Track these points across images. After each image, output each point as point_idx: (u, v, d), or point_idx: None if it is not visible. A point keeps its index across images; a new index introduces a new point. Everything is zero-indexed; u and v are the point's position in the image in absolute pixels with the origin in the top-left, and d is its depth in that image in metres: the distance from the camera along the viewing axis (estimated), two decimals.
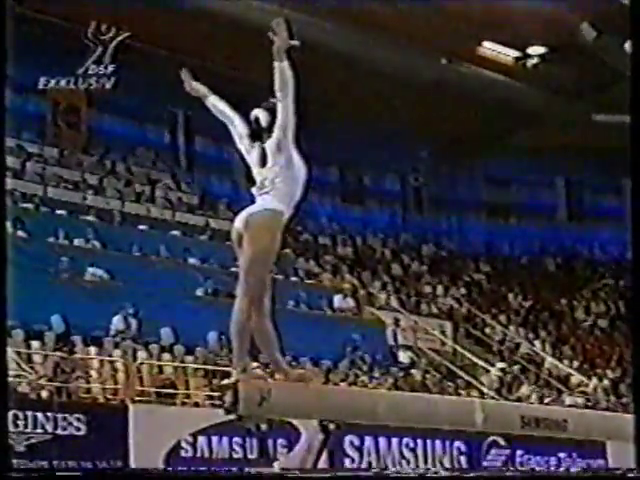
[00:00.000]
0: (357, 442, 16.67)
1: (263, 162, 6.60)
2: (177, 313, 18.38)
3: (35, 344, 16.27)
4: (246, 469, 13.57)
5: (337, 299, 22.84)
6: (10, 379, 13.40)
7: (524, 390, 21.98)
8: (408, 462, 16.98)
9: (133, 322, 17.92)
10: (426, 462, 17.23)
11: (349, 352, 20.78)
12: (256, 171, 6.66)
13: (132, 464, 13.84)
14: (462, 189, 32.08)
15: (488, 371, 22.71)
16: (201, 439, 15.30)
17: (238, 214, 6.67)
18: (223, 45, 23.10)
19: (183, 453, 15.06)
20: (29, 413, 13.80)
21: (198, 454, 15.22)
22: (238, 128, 6.78)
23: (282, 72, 6.49)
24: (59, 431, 13.96)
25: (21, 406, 13.69)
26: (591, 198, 32.68)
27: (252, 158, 6.68)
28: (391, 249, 28.32)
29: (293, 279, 22.63)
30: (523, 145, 29.19)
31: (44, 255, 18.26)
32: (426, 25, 23.51)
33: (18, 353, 15.33)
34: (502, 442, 18.06)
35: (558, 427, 7.92)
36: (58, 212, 20.95)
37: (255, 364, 7.25)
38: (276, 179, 6.53)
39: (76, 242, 20.13)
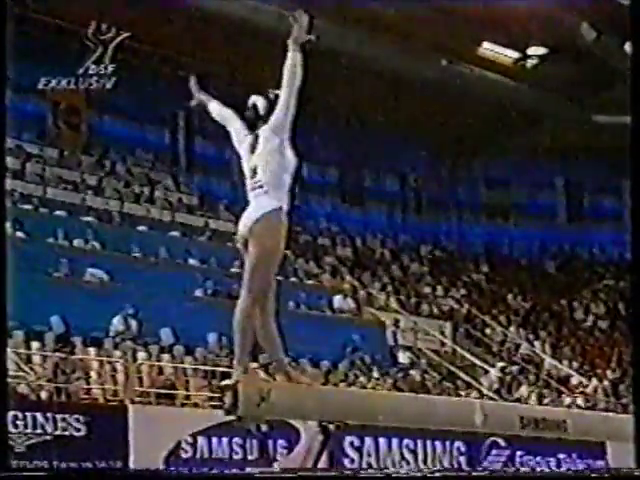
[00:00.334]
0: (357, 443, 16.67)
1: (253, 148, 6.62)
2: (177, 314, 18.37)
3: (35, 345, 16.26)
4: (246, 470, 13.57)
5: (337, 300, 22.84)
6: (10, 380, 13.40)
7: (524, 391, 21.99)
8: (408, 463, 16.98)
9: (133, 323, 17.92)
10: (426, 463, 17.23)
11: (349, 353, 20.78)
12: (246, 160, 6.68)
13: (132, 465, 13.84)
14: (462, 190, 32.09)
15: (488, 372, 22.71)
16: (201, 440, 15.30)
17: (239, 218, 6.66)
18: (223, 46, 23.10)
19: (183, 454, 15.05)
20: (29, 414, 13.79)
21: (198, 455, 15.22)
22: (237, 130, 6.80)
23: (294, 62, 6.52)
24: (59, 432, 13.95)
25: (21, 407, 13.68)
26: (591, 199, 32.69)
27: (243, 149, 6.70)
28: (391, 250, 28.32)
29: (293, 280, 22.63)
30: (523, 146, 29.20)
31: (43, 256, 18.26)
32: (426, 26, 23.52)
33: (18, 354, 15.32)
34: (502, 443, 18.07)
35: (558, 428, 7.92)
36: (57, 213, 20.95)
37: (255, 365, 7.25)
38: (264, 165, 6.53)
39: (76, 243, 20.13)
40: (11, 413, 12.91)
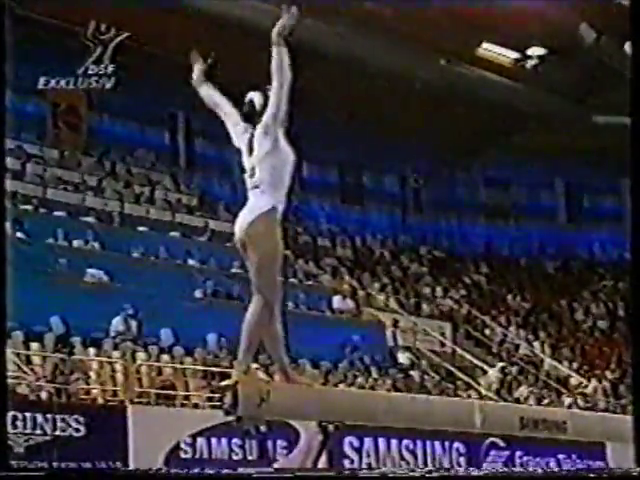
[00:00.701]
0: (356, 443, 16.67)
1: (251, 150, 6.62)
2: (176, 314, 18.38)
3: (34, 345, 16.27)
4: (245, 470, 13.56)
5: (336, 300, 22.84)
6: (9, 380, 13.40)
7: (523, 391, 21.98)
8: (407, 463, 16.97)
9: (132, 323, 17.92)
10: (425, 463, 17.23)
11: (348, 353, 20.78)
12: (246, 158, 6.68)
13: (131, 465, 13.84)
14: (461, 190, 32.09)
15: (487, 372, 22.70)
16: (200, 440, 15.29)
17: (236, 218, 6.67)
18: (224, 46, 23.07)
19: (182, 454, 15.05)
20: (28, 414, 13.79)
21: (197, 455, 15.22)
22: (233, 122, 6.78)
23: (280, 57, 6.51)
24: (58, 432, 13.95)
25: (20, 407, 13.68)
26: (590, 199, 32.70)
27: (243, 146, 6.70)
28: (390, 250, 28.32)
29: (292, 280, 22.62)
30: (522, 146, 29.19)
31: (43, 256, 18.26)
32: (426, 26, 23.52)
33: (17, 354, 15.32)
34: (501, 443, 18.07)
35: (557, 428, 7.92)
36: (57, 213, 20.94)
37: (255, 365, 7.25)
38: (262, 166, 6.53)
39: (75, 243, 20.13)
40: (11, 413, 12.91)
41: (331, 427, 6.80)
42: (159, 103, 25.54)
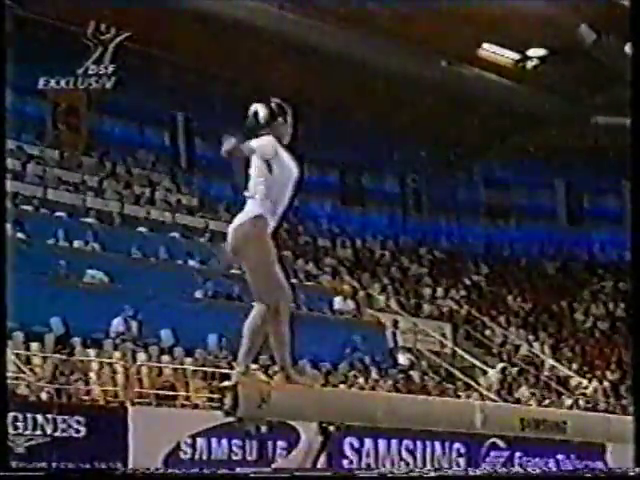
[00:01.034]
0: (357, 444, 16.68)
1: (248, 163, 6.63)
2: (177, 315, 18.38)
3: (35, 346, 16.27)
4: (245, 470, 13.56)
5: (337, 301, 22.84)
6: (10, 381, 13.41)
7: (524, 392, 21.98)
8: (407, 464, 16.98)
9: (133, 324, 17.92)
10: (425, 464, 17.23)
11: (348, 354, 20.78)
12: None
13: (131, 466, 13.84)
14: (461, 191, 32.09)
15: (488, 373, 22.71)
16: (200, 441, 15.30)
17: (233, 222, 6.66)
18: (223, 47, 23.10)
19: (182, 455, 15.06)
20: (29, 415, 13.80)
21: (197, 456, 15.22)
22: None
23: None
24: (59, 433, 13.96)
25: (21, 408, 13.68)
26: (590, 200, 32.70)
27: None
28: (390, 251, 28.32)
29: (293, 281, 22.61)
30: (523, 147, 29.19)
31: (44, 257, 18.26)
32: (426, 27, 23.52)
33: (17, 355, 15.32)
34: (501, 444, 18.07)
35: (557, 429, 7.92)
36: (58, 214, 20.95)
37: (255, 366, 7.24)
38: (257, 180, 6.52)
39: (76, 244, 20.13)
40: (11, 414, 12.91)
41: (331, 428, 6.81)
42: (159, 104, 25.54)
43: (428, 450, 17.54)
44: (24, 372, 15.07)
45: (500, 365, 23.14)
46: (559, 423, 7.96)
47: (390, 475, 7.06)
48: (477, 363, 23.34)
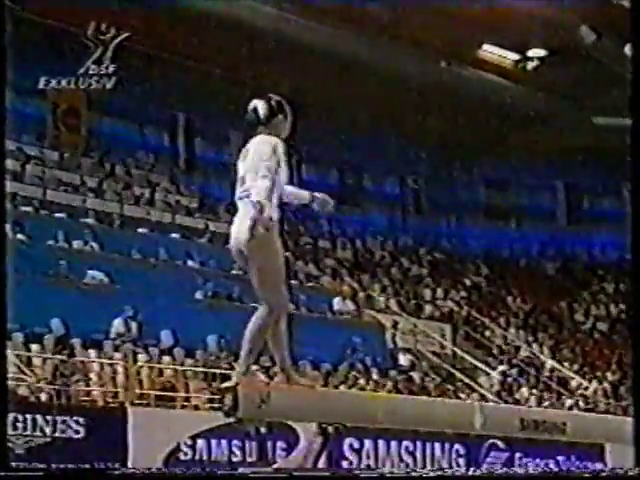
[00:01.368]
0: (356, 445, 16.67)
1: (245, 156, 6.58)
2: (177, 316, 18.37)
3: (35, 347, 16.27)
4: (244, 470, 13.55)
5: (336, 302, 22.84)
6: (10, 382, 13.40)
7: (524, 393, 21.98)
8: (407, 465, 16.97)
9: (133, 325, 17.92)
10: (425, 465, 17.23)
11: (349, 355, 20.77)
12: (240, 165, 6.63)
13: (131, 467, 13.83)
14: (461, 192, 32.09)
15: (488, 374, 22.71)
16: (200, 442, 15.30)
17: (231, 229, 6.62)
18: (223, 47, 23.09)
19: (182, 456, 15.06)
20: (29, 416, 13.79)
21: (197, 457, 15.22)
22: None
23: None
24: (58, 434, 13.95)
25: (21, 409, 13.68)
26: (590, 201, 32.70)
27: (240, 156, 6.66)
28: (390, 252, 28.32)
29: (293, 282, 22.61)
30: (522, 148, 29.19)
31: (43, 258, 18.26)
32: (426, 28, 23.52)
33: (18, 356, 15.32)
34: (501, 445, 18.06)
35: (557, 430, 7.92)
36: (57, 215, 20.95)
37: (255, 367, 7.23)
38: (253, 176, 6.45)
39: (75, 245, 20.13)
40: (11, 415, 12.91)
41: (331, 429, 6.80)
42: (159, 105, 25.54)
43: (428, 451, 17.54)
44: (24, 373, 15.06)
45: (500, 366, 23.15)
46: (559, 424, 7.96)
47: (390, 476, 7.05)
48: (477, 364, 23.34)
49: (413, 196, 31.85)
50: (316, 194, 6.77)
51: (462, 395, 20.48)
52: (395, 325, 23.08)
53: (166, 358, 17.64)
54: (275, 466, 15.06)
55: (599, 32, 24.58)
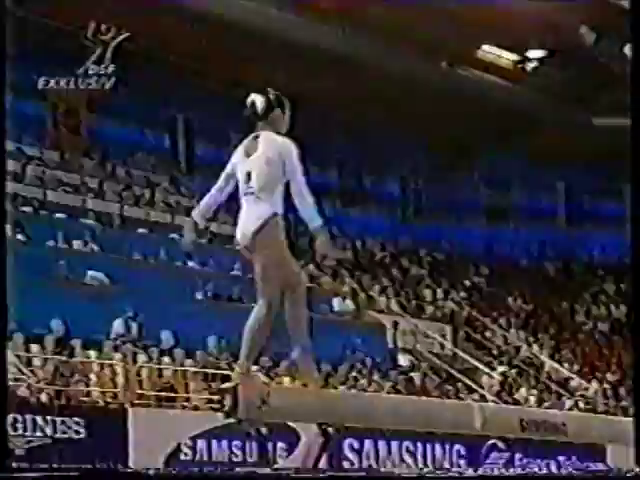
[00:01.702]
0: (357, 445, 16.67)
1: (249, 152, 6.58)
2: (177, 316, 18.36)
3: (35, 348, 16.26)
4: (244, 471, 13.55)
5: (336, 302, 22.83)
6: (10, 383, 13.40)
7: (524, 393, 21.98)
8: (408, 465, 16.97)
9: (133, 325, 17.92)
10: (426, 465, 17.23)
11: (349, 355, 20.76)
12: (240, 163, 6.59)
13: (131, 467, 13.83)
14: (462, 193, 32.07)
15: (488, 374, 22.70)
16: (200, 442, 15.31)
17: (236, 226, 6.63)
18: (222, 47, 23.10)
19: (183, 456, 15.06)
20: (29, 416, 13.79)
21: (197, 457, 15.22)
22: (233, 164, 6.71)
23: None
24: (58, 434, 13.95)
25: (21, 409, 13.68)
26: (591, 201, 32.70)
27: (240, 150, 6.64)
28: (391, 252, 28.31)
29: None
30: (522, 148, 29.19)
31: (43, 258, 18.25)
32: (426, 28, 23.52)
33: (18, 357, 15.32)
34: (501, 445, 18.06)
35: (557, 430, 7.91)
36: (58, 215, 20.94)
37: (255, 367, 7.23)
38: (260, 172, 6.46)
39: (76, 245, 20.12)
40: (11, 416, 12.91)
41: (331, 429, 6.80)
42: (159, 105, 25.54)
43: (428, 451, 17.54)
44: (24, 374, 15.06)
45: (500, 367, 23.16)
46: (559, 424, 7.95)
47: (390, 476, 7.05)
48: (477, 364, 23.33)
49: (413, 196, 31.85)
50: (320, 240, 6.73)
51: (462, 395, 20.47)
52: (395, 325, 23.08)
53: (166, 359, 17.64)
54: (275, 467, 15.06)
55: (599, 33, 24.57)
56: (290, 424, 14.12)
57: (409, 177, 31.66)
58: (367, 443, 16.82)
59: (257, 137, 6.57)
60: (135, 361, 16.76)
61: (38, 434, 13.80)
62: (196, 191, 25.72)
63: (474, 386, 21.81)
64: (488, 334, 25.53)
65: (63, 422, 14.07)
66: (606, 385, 24.09)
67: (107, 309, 17.63)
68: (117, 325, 17.74)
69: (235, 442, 15.56)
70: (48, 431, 13.88)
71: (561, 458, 18.65)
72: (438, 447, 17.68)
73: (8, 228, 14.41)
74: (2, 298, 6.77)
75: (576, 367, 25.05)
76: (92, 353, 16.76)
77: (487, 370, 22.99)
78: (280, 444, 15.69)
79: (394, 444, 17.12)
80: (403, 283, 26.44)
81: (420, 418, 7.33)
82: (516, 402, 20.84)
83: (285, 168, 6.50)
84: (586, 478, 7.32)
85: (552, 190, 32.74)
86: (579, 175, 31.46)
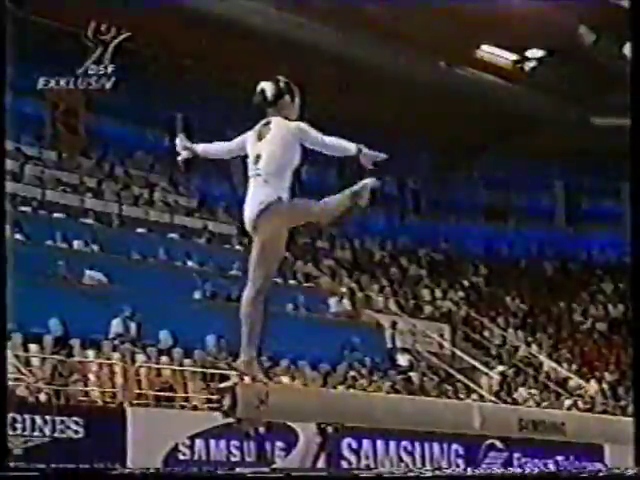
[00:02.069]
0: (355, 445, 16.67)
1: (261, 135, 6.61)
2: (175, 316, 18.36)
3: (33, 347, 16.26)
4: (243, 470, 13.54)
5: (333, 302, 22.83)
6: (8, 382, 13.40)
7: (522, 393, 21.98)
8: (406, 465, 16.97)
9: (131, 325, 17.91)
10: (424, 465, 17.22)
11: (347, 355, 20.76)
12: (251, 145, 6.64)
13: (130, 467, 13.82)
14: (460, 192, 32.10)
15: (486, 374, 22.71)
16: (199, 442, 15.30)
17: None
18: (222, 47, 23.10)
19: (181, 456, 15.05)
20: (27, 416, 13.78)
21: (196, 457, 15.21)
22: (238, 144, 6.76)
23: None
24: (57, 434, 13.95)
25: (19, 409, 13.67)
26: (589, 201, 32.72)
27: (251, 134, 6.68)
28: (389, 252, 28.32)
29: (291, 282, 22.63)
30: (521, 148, 29.21)
31: (42, 258, 18.24)
32: (425, 28, 23.52)
33: (16, 356, 15.31)
34: (500, 445, 18.06)
35: (556, 430, 7.92)
36: (56, 215, 20.95)
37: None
38: (271, 155, 6.52)
39: (74, 245, 20.13)
40: (9, 415, 12.90)
41: (330, 429, 6.80)
42: (158, 105, 25.54)
43: (427, 451, 17.54)
44: (23, 373, 15.06)
45: (499, 367, 23.16)
46: (557, 424, 7.95)
47: (389, 475, 7.05)
48: (476, 364, 23.34)
49: (412, 196, 31.86)
50: (363, 147, 6.76)
51: (461, 395, 20.48)
52: (394, 325, 23.08)
53: (164, 358, 17.63)
54: (274, 466, 15.06)
55: (598, 32, 24.59)
56: (289, 423, 14.12)
57: (408, 177, 31.66)
58: (365, 443, 16.82)
59: (268, 123, 6.64)
60: (134, 361, 16.75)
61: (36, 434, 13.79)
62: (194, 191, 25.80)
63: (473, 386, 21.81)
64: (487, 334, 25.54)
65: (61, 422, 14.06)
66: (604, 384, 24.09)
67: (106, 309, 17.62)
68: (115, 325, 17.74)
69: (233, 441, 15.56)
70: (46, 431, 13.87)
71: (559, 458, 18.65)
72: (436, 447, 17.68)
73: (7, 228, 14.39)
74: (2, 298, 6.77)
75: (574, 367, 25.05)
76: (91, 353, 16.75)
77: (486, 370, 23.00)
78: (279, 443, 15.69)
79: (392, 444, 17.12)
80: (402, 283, 26.45)
81: (419, 418, 7.33)
82: (515, 402, 20.84)
83: (307, 145, 6.61)
84: (585, 477, 7.31)
85: (551, 190, 32.77)
86: (578, 175, 31.49)
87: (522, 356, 24.84)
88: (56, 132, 24.49)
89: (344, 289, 24.01)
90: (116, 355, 16.81)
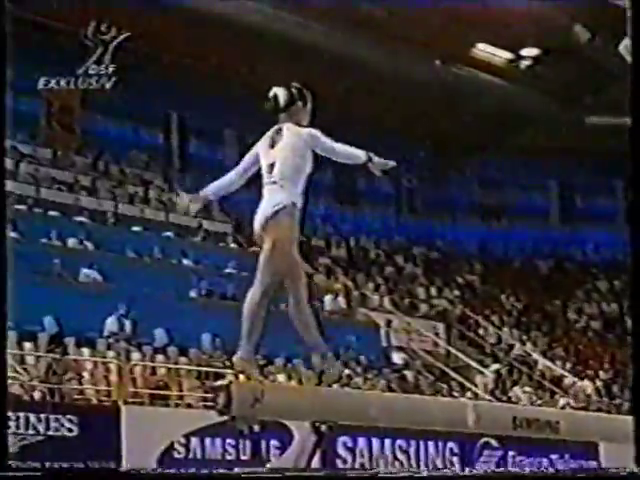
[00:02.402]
0: (350, 443, 16.67)
1: (273, 143, 6.61)
2: (171, 314, 18.36)
3: (28, 345, 16.26)
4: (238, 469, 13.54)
5: (328, 300, 22.83)
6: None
7: (517, 391, 22.00)
8: (401, 464, 16.98)
9: (126, 323, 17.91)
10: (419, 463, 17.23)
11: (342, 353, 20.76)
12: (264, 156, 6.64)
13: (124, 466, 13.83)
14: (455, 191, 32.12)
15: (481, 372, 22.73)
16: (194, 440, 15.28)
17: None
18: (220, 47, 23.09)
19: (176, 454, 15.04)
20: (21, 414, 13.77)
21: (191, 455, 15.20)
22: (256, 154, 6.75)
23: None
24: (51, 432, 13.93)
25: (14, 407, 13.66)
26: (584, 200, 32.74)
27: (262, 147, 6.68)
28: (384, 250, 28.34)
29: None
30: (516, 147, 29.22)
31: (37, 256, 18.22)
32: (420, 27, 23.54)
33: (11, 354, 15.29)
34: (494, 443, 18.08)
35: (550, 428, 7.93)
36: (51, 213, 20.93)
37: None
38: (284, 162, 6.53)
39: (69, 243, 20.12)
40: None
41: (324, 427, 6.81)
42: (153, 103, 25.52)
43: (422, 449, 17.54)
44: (17, 371, 15.05)
45: (494, 365, 23.18)
46: (552, 422, 7.96)
47: (384, 474, 7.06)
48: (471, 362, 23.36)
49: (407, 195, 31.87)
50: (373, 155, 6.75)
51: (455, 393, 20.50)
52: (389, 323, 23.10)
53: (160, 357, 17.64)
54: (269, 465, 15.07)
55: (593, 31, 24.61)
56: (284, 422, 14.12)
57: (403, 176, 31.65)
58: (360, 441, 16.82)
59: (280, 129, 6.63)
60: (129, 359, 16.76)
61: (31, 432, 13.77)
62: (190, 189, 25.77)
63: (467, 384, 21.83)
64: (481, 332, 25.56)
65: (56, 420, 14.04)
66: (599, 383, 24.12)
67: (101, 307, 17.61)
68: (110, 323, 17.74)
69: (228, 440, 15.54)
70: (41, 429, 13.86)
71: (554, 456, 18.67)
72: (431, 445, 17.69)
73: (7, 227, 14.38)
74: (2, 298, 6.77)
75: (569, 365, 25.08)
76: (85, 351, 16.76)
77: (480, 368, 23.02)
78: (273, 442, 15.68)
79: (387, 442, 17.12)
80: (397, 281, 26.47)
81: (413, 416, 7.34)
82: (509, 400, 20.86)
83: (318, 151, 6.58)
84: (579, 476, 7.33)
85: (545, 188, 32.79)
86: (572, 173, 31.51)
87: (517, 354, 24.86)
88: (51, 130, 24.46)
89: (339, 287, 24.02)
90: (111, 353, 16.82)
